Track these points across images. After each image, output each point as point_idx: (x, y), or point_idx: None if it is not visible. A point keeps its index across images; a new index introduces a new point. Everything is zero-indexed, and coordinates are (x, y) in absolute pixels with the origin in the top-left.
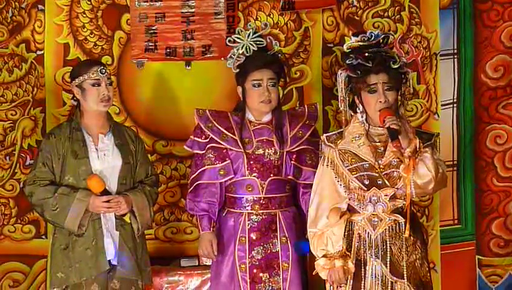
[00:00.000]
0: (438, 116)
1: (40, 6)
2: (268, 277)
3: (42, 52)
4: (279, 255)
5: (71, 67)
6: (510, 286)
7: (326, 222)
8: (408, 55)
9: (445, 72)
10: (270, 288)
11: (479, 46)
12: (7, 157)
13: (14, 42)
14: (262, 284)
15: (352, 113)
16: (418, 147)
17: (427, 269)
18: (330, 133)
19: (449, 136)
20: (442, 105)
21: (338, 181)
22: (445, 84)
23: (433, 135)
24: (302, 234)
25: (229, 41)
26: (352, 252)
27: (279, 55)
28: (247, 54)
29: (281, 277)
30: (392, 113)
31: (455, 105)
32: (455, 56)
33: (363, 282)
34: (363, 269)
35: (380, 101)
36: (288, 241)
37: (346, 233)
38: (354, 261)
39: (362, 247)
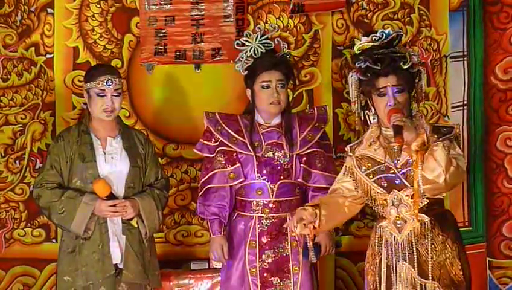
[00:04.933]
0: (448, 118)
1: (49, 10)
2: (278, 280)
3: (52, 55)
4: (290, 258)
5: (81, 71)
6: None
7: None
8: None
9: (455, 75)
10: None
11: (489, 48)
12: (17, 161)
13: (24, 46)
14: (272, 288)
15: (367, 115)
16: (426, 141)
17: (459, 267)
18: (352, 143)
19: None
20: (452, 107)
21: (355, 188)
22: (455, 87)
23: (453, 128)
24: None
25: (237, 44)
26: (382, 259)
27: (288, 57)
28: (255, 57)
29: (291, 281)
30: (398, 111)
31: (465, 107)
32: (465, 58)
33: (393, 287)
34: (393, 275)
35: (390, 104)
36: (299, 245)
37: (376, 240)
38: (385, 267)
39: (390, 252)
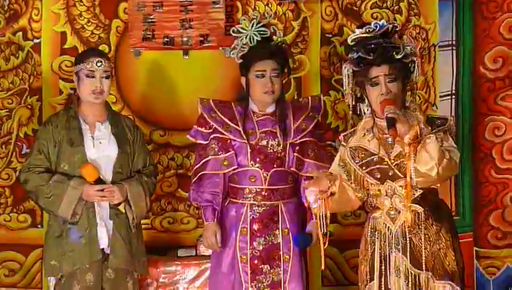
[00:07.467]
0: (437, 107)
1: None
2: (269, 268)
3: (39, 40)
4: (281, 246)
5: (68, 56)
6: (507, 278)
7: None
8: None
9: (443, 64)
10: (271, 279)
11: (478, 38)
12: (3, 146)
13: (11, 30)
14: (262, 276)
15: (362, 108)
16: (419, 133)
17: (453, 257)
18: (346, 132)
19: None
20: (440, 96)
21: (349, 180)
22: (444, 76)
23: (447, 119)
24: (304, 226)
25: (233, 31)
26: (375, 249)
27: (283, 45)
28: (250, 44)
29: (281, 269)
30: (391, 103)
31: (453, 96)
32: (454, 47)
33: (386, 278)
34: (386, 265)
35: (382, 94)
36: (290, 233)
37: (370, 231)
38: (378, 258)
39: (384, 242)
